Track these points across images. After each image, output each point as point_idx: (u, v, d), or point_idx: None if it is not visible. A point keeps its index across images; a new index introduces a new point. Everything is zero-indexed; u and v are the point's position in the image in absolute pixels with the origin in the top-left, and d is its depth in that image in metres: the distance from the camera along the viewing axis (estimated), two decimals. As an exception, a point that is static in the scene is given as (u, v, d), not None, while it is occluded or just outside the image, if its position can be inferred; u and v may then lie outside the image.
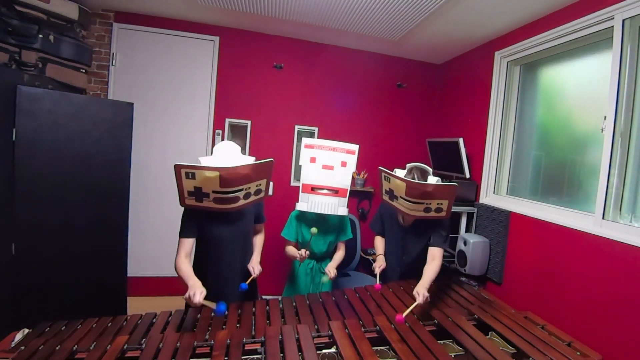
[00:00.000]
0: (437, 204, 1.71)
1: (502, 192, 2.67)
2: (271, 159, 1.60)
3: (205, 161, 1.52)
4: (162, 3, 2.63)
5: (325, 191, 2.00)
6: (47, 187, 2.00)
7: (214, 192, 1.47)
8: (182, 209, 1.67)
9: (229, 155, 1.59)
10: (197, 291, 1.39)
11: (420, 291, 1.52)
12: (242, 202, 1.58)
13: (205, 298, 1.43)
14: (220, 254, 1.67)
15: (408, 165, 1.87)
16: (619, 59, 1.76)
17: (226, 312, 1.45)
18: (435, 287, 1.87)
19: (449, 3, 2.19)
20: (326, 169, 2.03)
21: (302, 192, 2.01)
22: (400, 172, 1.82)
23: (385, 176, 1.82)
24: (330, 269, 1.97)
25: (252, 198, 1.63)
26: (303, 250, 1.91)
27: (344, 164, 2.04)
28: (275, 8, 2.51)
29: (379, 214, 2.12)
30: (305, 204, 2.00)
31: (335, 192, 2.01)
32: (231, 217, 1.67)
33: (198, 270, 1.57)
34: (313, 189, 2.00)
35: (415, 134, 3.51)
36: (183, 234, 1.63)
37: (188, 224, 1.63)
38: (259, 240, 1.90)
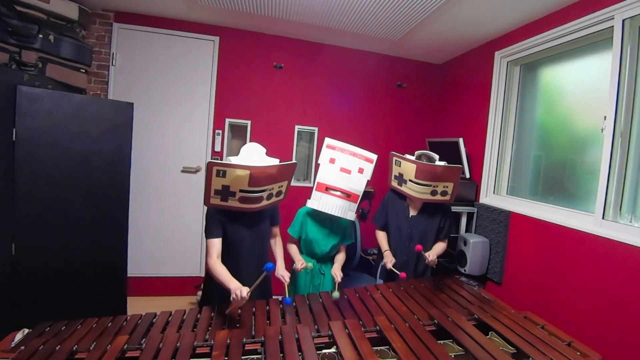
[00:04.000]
0: (443, 186, 1.92)
1: (502, 192, 2.67)
2: (295, 162, 1.67)
3: (234, 161, 1.54)
4: (162, 3, 2.63)
5: (338, 193, 2.01)
6: (47, 187, 2.00)
7: (241, 191, 1.51)
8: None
9: (257, 155, 1.63)
10: (242, 288, 1.38)
11: (430, 254, 1.89)
12: (264, 202, 1.62)
13: (222, 299, 1.50)
14: (238, 255, 1.68)
15: (417, 152, 2.04)
16: (619, 59, 1.76)
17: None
18: (436, 287, 1.87)
19: (449, 3, 2.19)
20: (343, 172, 2.04)
21: (315, 189, 2.01)
22: (411, 158, 1.97)
23: (396, 160, 2.01)
24: (337, 271, 1.92)
25: (273, 199, 1.67)
26: (302, 264, 1.92)
27: (360, 171, 2.06)
28: (275, 8, 2.51)
29: (383, 205, 2.18)
30: (317, 202, 1.99)
31: (348, 195, 2.02)
32: (251, 219, 1.68)
33: None
34: (327, 189, 2.00)
35: (415, 134, 3.51)
36: (211, 234, 1.62)
37: (214, 224, 1.62)
38: (278, 248, 1.92)
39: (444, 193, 1.94)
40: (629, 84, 1.75)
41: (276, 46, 3.13)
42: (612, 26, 1.81)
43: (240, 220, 1.66)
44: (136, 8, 2.77)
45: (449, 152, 2.87)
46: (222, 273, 1.52)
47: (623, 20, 1.75)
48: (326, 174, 2.03)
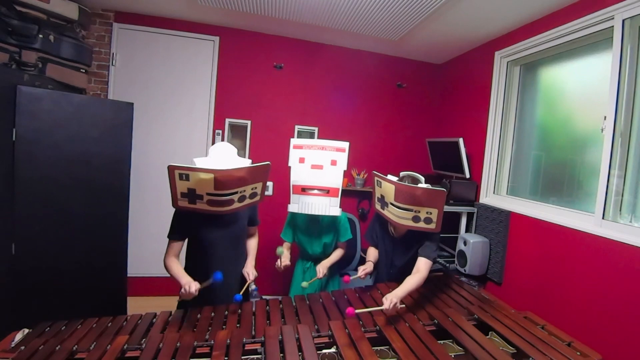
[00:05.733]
0: (427, 212, 1.64)
1: (502, 192, 2.67)
2: (268, 163, 1.60)
3: (200, 162, 1.49)
4: (162, 3, 2.63)
5: (315, 191, 1.95)
6: (47, 187, 2.00)
7: (208, 194, 1.45)
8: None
9: (225, 157, 1.56)
10: (191, 283, 1.44)
11: (390, 297, 1.45)
12: (236, 205, 1.56)
13: (196, 300, 1.47)
14: (211, 257, 1.64)
15: (401, 174, 1.84)
16: (619, 59, 1.76)
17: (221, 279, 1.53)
18: (436, 287, 1.87)
19: (449, 3, 2.19)
20: (315, 169, 1.97)
21: (292, 193, 1.97)
22: (393, 179, 1.77)
23: (377, 180, 1.82)
24: (321, 267, 1.92)
25: (247, 201, 1.61)
26: (281, 263, 1.90)
27: (334, 163, 1.97)
28: (275, 8, 2.51)
29: (373, 223, 2.06)
30: (296, 205, 1.95)
31: (327, 191, 1.95)
32: (224, 220, 1.63)
33: (189, 273, 1.55)
34: (303, 190, 1.95)
35: (415, 134, 3.51)
36: (172, 236, 1.60)
37: (177, 227, 1.60)
38: (252, 245, 1.87)
39: (427, 220, 1.66)
40: (629, 84, 1.75)
41: (276, 46, 3.13)
42: (612, 26, 1.81)
43: (212, 222, 1.61)
44: (136, 8, 2.77)
45: (449, 152, 2.87)
46: (175, 270, 1.54)
47: (623, 20, 1.75)
48: (298, 174, 1.97)
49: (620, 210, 1.77)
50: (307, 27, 2.85)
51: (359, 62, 3.33)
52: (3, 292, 1.87)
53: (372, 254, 2.00)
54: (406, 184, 1.67)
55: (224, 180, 1.43)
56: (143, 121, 2.76)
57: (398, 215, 1.70)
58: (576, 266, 1.88)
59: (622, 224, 1.72)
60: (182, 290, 1.44)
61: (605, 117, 1.81)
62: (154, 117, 2.90)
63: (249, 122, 3.12)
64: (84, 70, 2.58)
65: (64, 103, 2.04)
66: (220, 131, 3.05)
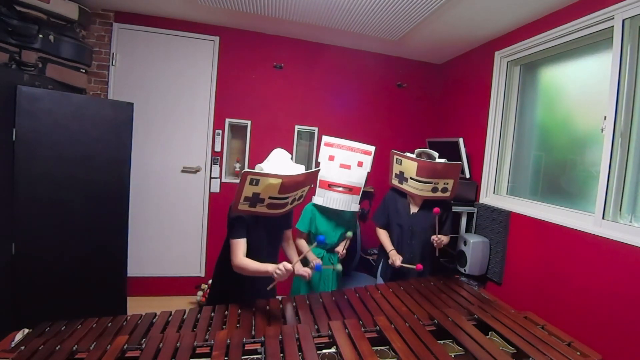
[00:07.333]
0: (444, 183, 1.99)
1: (502, 192, 2.67)
2: (319, 168, 1.84)
3: (266, 169, 1.57)
4: (162, 3, 2.63)
5: (341, 189, 2.12)
6: (47, 187, 2.00)
7: (270, 197, 1.54)
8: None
9: (286, 163, 1.66)
10: (284, 263, 1.45)
11: (436, 239, 1.96)
12: (288, 207, 1.66)
13: (230, 300, 1.55)
14: (255, 259, 1.63)
15: (417, 151, 2.11)
16: (619, 59, 1.76)
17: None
18: (436, 287, 1.87)
19: (449, 3, 2.19)
20: (343, 168, 2.14)
21: (319, 187, 2.11)
22: (411, 156, 2.03)
23: (397, 158, 2.07)
24: (340, 249, 2.09)
25: (295, 203, 1.71)
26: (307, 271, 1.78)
27: (360, 164, 2.16)
28: (275, 8, 2.51)
29: (383, 204, 2.23)
30: (322, 198, 2.11)
31: (350, 189, 2.12)
32: (271, 224, 1.69)
33: (231, 272, 1.57)
34: (330, 186, 2.11)
35: (415, 134, 3.51)
36: (237, 235, 1.59)
37: (240, 225, 1.60)
38: (293, 251, 1.94)
39: (444, 190, 2.02)
40: (629, 84, 1.75)
41: (276, 46, 3.13)
42: (612, 26, 1.81)
43: (261, 226, 1.66)
44: (136, 8, 2.77)
45: (449, 152, 2.87)
46: (254, 265, 1.53)
47: (623, 20, 1.75)
48: (327, 171, 2.13)
49: (620, 210, 1.77)
50: (307, 27, 2.85)
51: (359, 62, 3.33)
52: (3, 292, 1.87)
53: (387, 240, 2.16)
54: (425, 159, 1.99)
55: (288, 185, 1.53)
56: (143, 121, 2.76)
57: (418, 188, 2.00)
58: (576, 266, 1.88)
59: (622, 224, 1.72)
60: (277, 272, 1.43)
61: (605, 117, 1.81)
62: (154, 117, 2.90)
63: (249, 122, 3.11)
64: (84, 70, 2.59)
65: (64, 103, 2.04)
66: (220, 131, 3.05)
